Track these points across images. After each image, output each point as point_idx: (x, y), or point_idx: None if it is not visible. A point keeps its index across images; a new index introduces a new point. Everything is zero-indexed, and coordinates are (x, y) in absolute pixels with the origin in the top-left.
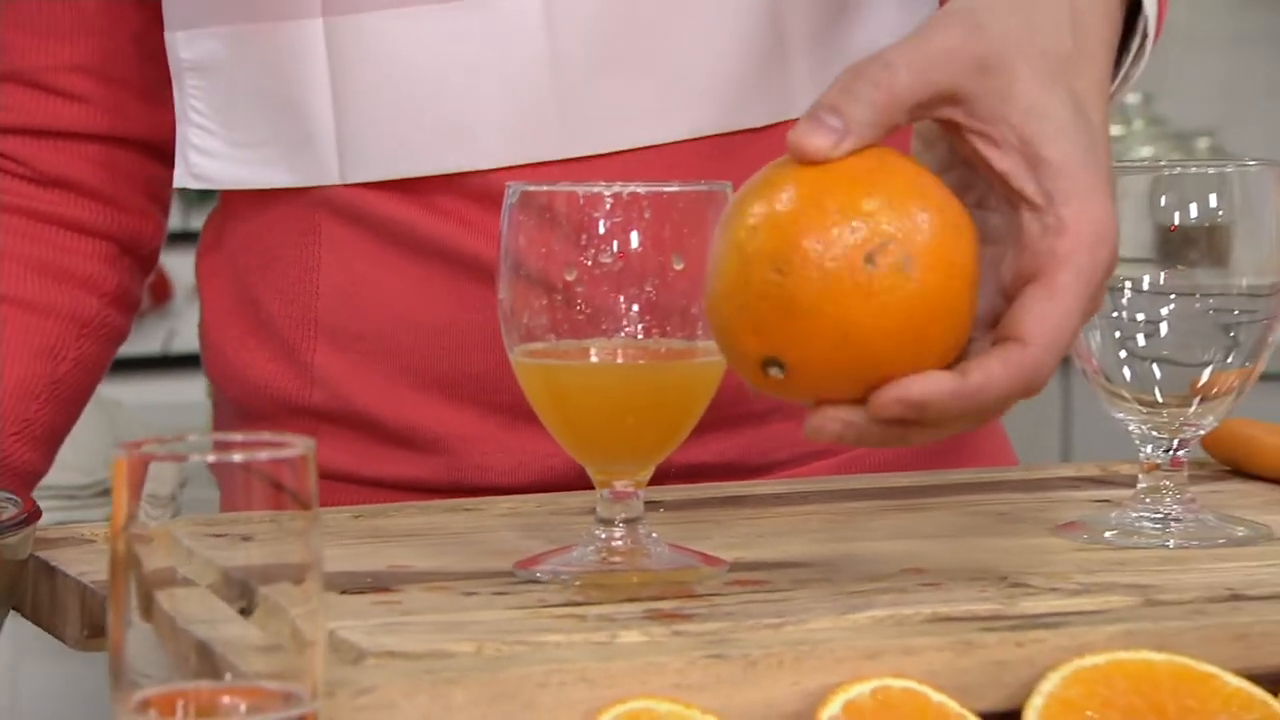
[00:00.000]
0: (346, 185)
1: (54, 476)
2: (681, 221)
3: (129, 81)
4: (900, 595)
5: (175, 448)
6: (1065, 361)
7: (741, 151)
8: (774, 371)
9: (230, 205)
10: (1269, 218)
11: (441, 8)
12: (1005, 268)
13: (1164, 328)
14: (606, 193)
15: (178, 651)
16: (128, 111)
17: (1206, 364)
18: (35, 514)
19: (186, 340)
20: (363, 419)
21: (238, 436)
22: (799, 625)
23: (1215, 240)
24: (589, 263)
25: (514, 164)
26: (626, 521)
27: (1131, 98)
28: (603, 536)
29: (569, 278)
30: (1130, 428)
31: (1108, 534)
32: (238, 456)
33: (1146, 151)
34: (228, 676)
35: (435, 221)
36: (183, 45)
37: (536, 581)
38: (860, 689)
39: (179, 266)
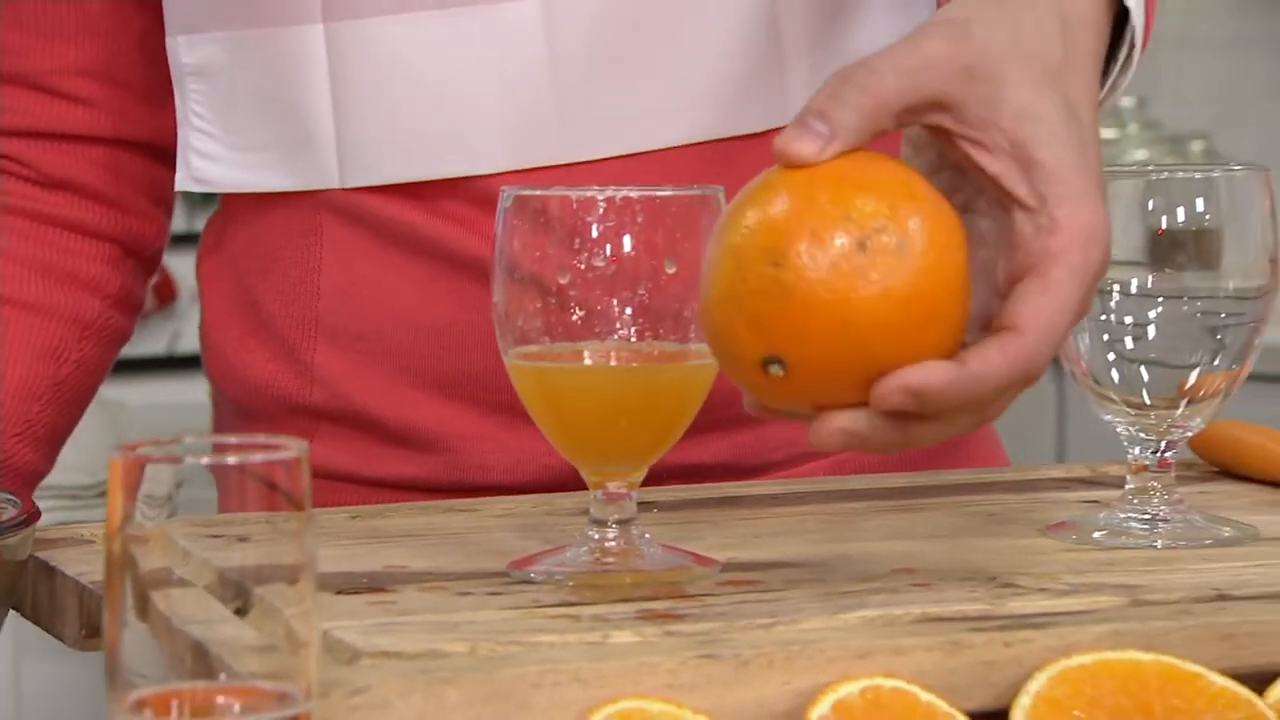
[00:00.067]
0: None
1: (56, 477)
2: (674, 226)
3: (133, 84)
4: (891, 595)
5: (171, 450)
6: (1058, 363)
7: (739, 156)
8: (774, 370)
9: (231, 208)
10: (1255, 222)
11: (441, 13)
12: (999, 270)
13: (1152, 330)
14: (600, 197)
15: (173, 651)
16: (131, 114)
17: (1194, 366)
18: (35, 515)
19: (191, 341)
20: (363, 419)
21: (233, 439)
22: (790, 625)
23: (1203, 244)
24: (583, 266)
25: (513, 168)
26: (619, 522)
27: (1126, 101)
28: (596, 537)
29: (563, 281)
30: (1118, 429)
31: (1096, 535)
32: (232, 459)
33: (1141, 155)
34: (222, 676)
35: (436, 223)
36: (184, 50)
37: (531, 582)
38: (850, 688)
39: (184, 268)
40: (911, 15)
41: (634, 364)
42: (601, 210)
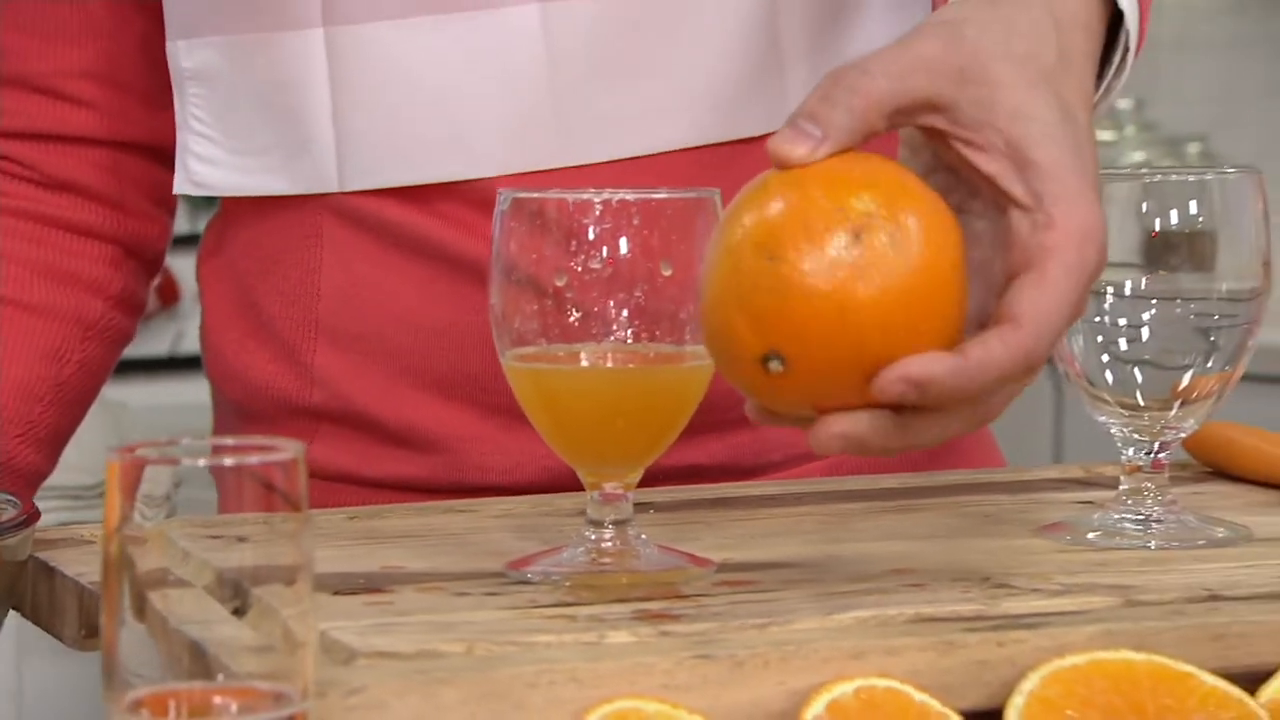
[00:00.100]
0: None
1: (58, 477)
2: (670, 228)
3: (134, 86)
4: (885, 596)
5: (168, 451)
6: (1055, 363)
7: (738, 160)
8: (774, 365)
9: (231, 210)
10: (1248, 224)
11: (441, 18)
12: (995, 269)
13: (1145, 332)
14: (596, 199)
15: (171, 652)
16: (132, 116)
17: (1187, 368)
18: (34, 515)
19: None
20: (362, 419)
21: (230, 440)
22: (785, 626)
23: (1196, 246)
24: (579, 268)
25: (512, 171)
26: (616, 523)
27: (1123, 103)
28: (592, 538)
29: (559, 283)
30: (1112, 430)
31: (1090, 535)
32: (229, 460)
33: (1138, 156)
34: (219, 677)
35: (435, 225)
36: (184, 54)
37: (527, 582)
38: (844, 688)
39: (186, 269)
40: (910, 18)
41: (630, 366)
42: (598, 213)
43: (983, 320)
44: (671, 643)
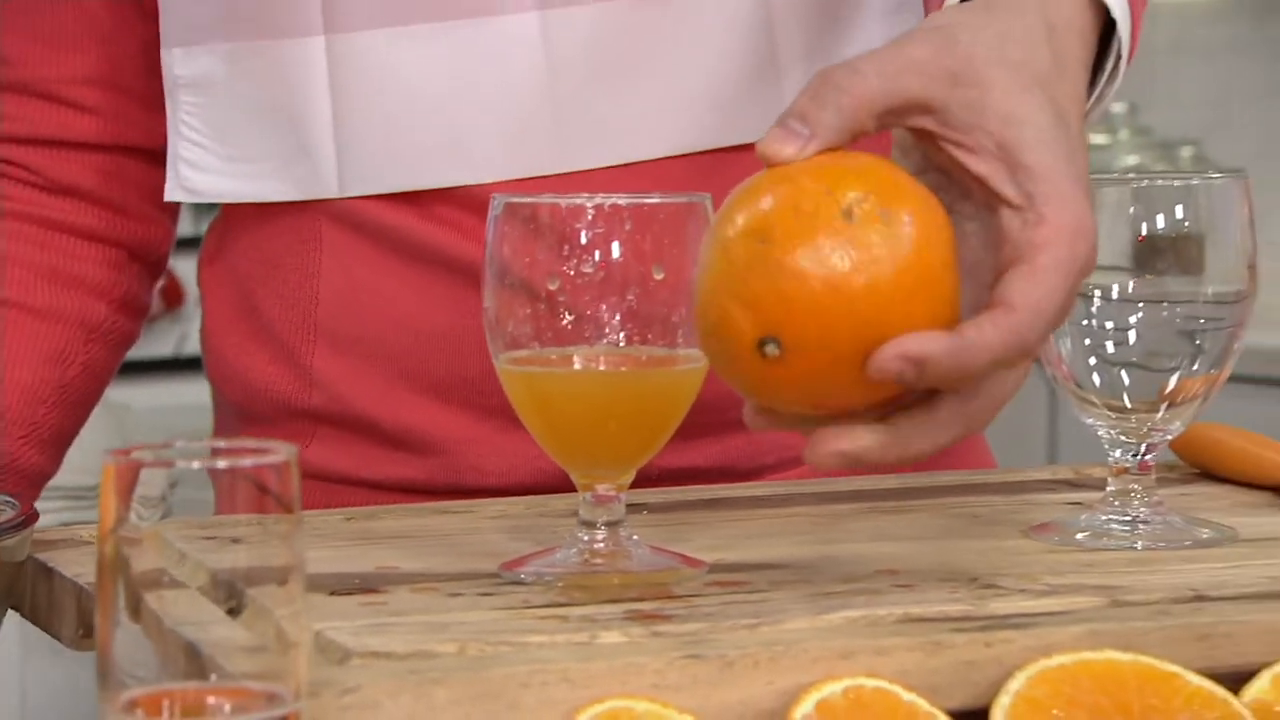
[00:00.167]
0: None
1: (61, 477)
2: (662, 232)
3: (136, 91)
4: (874, 596)
5: (163, 454)
6: (1044, 366)
7: (735, 164)
8: (770, 349)
9: (231, 215)
10: (1234, 228)
11: (441, 26)
12: (986, 270)
13: (1132, 335)
14: (588, 204)
15: (166, 652)
16: (134, 121)
17: (1174, 370)
18: (33, 517)
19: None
20: (361, 421)
21: (224, 443)
22: (774, 626)
23: (1182, 250)
24: (572, 272)
25: (511, 177)
26: (608, 524)
27: (1117, 107)
28: (585, 539)
29: (552, 287)
30: (1100, 432)
31: (1079, 536)
32: (223, 463)
33: (1132, 160)
34: (213, 677)
35: (434, 230)
36: (179, 62)
37: (521, 583)
38: (833, 688)
39: (191, 272)
40: (905, 24)
41: (623, 369)
42: (590, 217)
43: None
44: (662, 643)
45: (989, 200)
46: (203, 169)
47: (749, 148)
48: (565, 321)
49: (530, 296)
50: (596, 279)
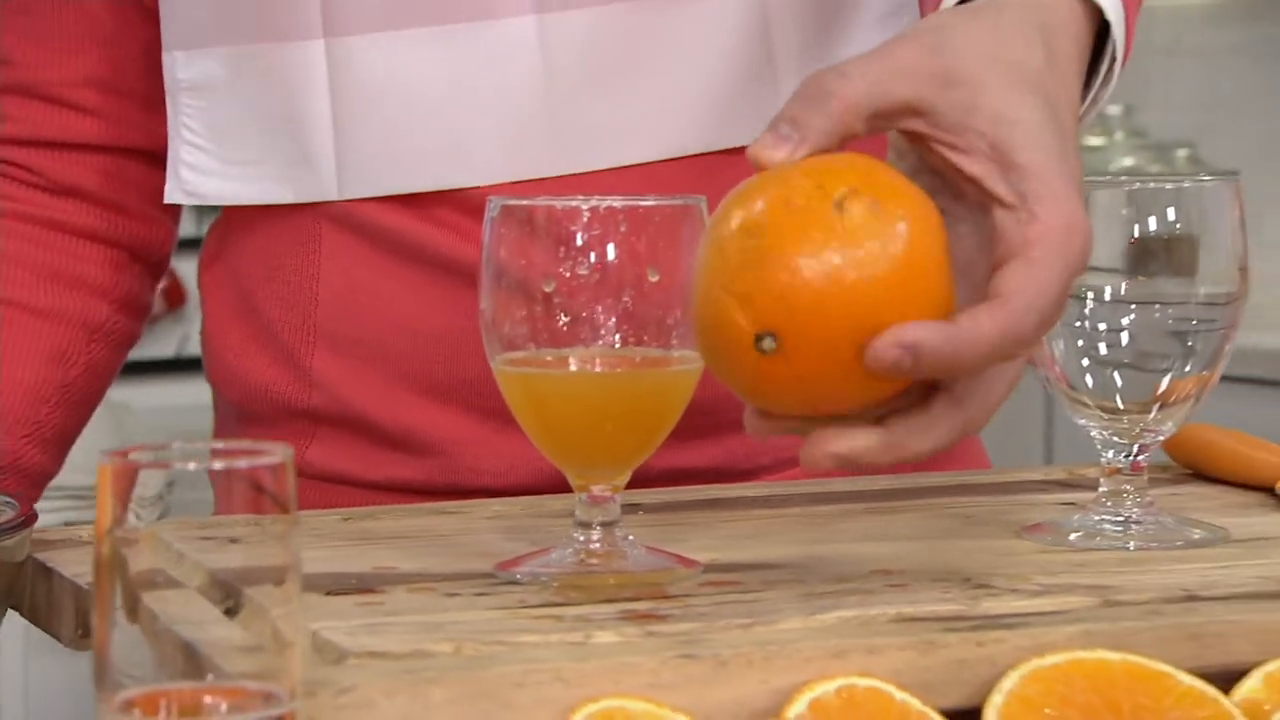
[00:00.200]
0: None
1: (63, 477)
2: (657, 235)
3: (137, 93)
4: (867, 596)
5: (158, 455)
6: (1037, 368)
7: (732, 167)
8: (767, 344)
9: (232, 217)
10: (1226, 230)
11: (439, 30)
12: (980, 271)
13: (1125, 336)
14: (584, 206)
15: (163, 652)
16: (135, 123)
17: (1166, 371)
18: (32, 517)
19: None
20: (360, 422)
21: (220, 444)
22: (768, 626)
23: (1174, 252)
24: (567, 274)
25: (509, 180)
26: (604, 524)
27: (1113, 109)
28: (581, 539)
29: (548, 289)
30: (1092, 433)
31: (1071, 536)
32: (219, 464)
33: (1128, 162)
34: (209, 677)
35: (433, 232)
36: (180, 65)
37: (516, 583)
38: (826, 687)
39: (193, 273)
40: (901, 28)
41: (618, 370)
42: (586, 219)
43: None
44: (657, 642)
45: (982, 200)
46: (203, 171)
47: (746, 150)
48: (561, 323)
49: (526, 298)
50: (592, 281)
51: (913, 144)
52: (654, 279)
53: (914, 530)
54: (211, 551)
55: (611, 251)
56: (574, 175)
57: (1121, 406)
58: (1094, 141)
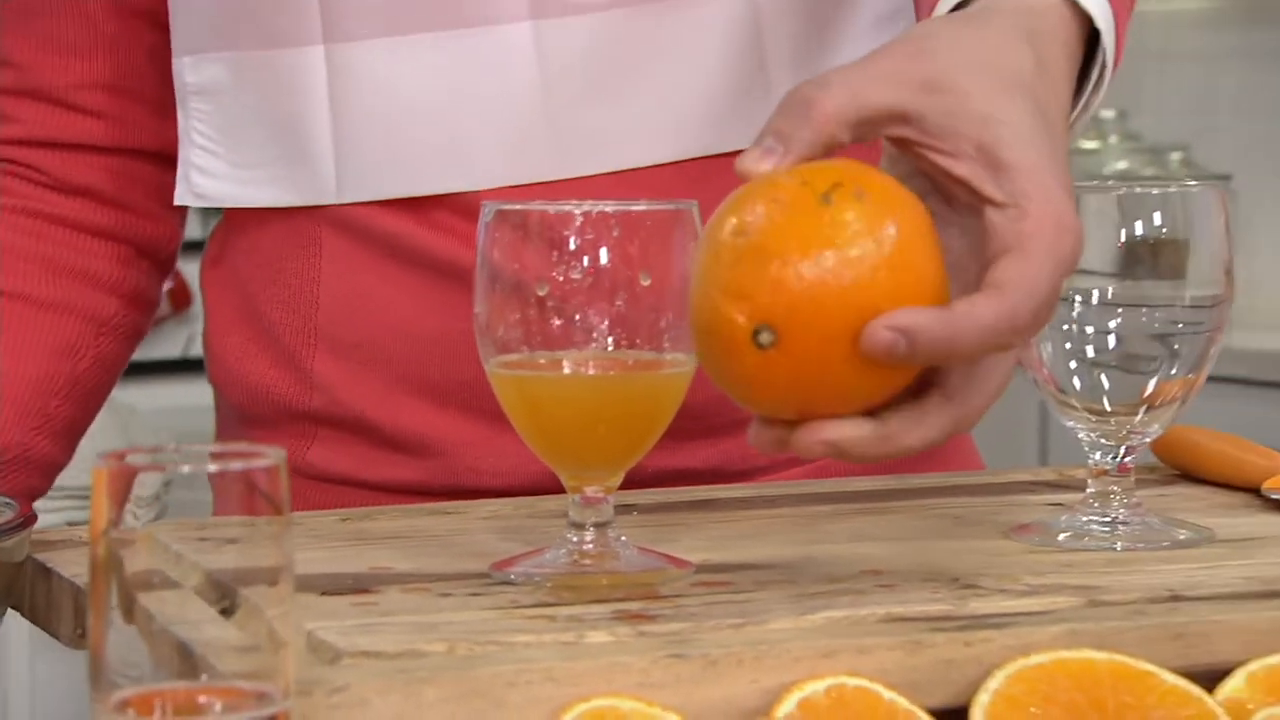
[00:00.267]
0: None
1: (66, 477)
2: (649, 239)
3: (143, 96)
4: (857, 596)
5: (154, 458)
6: (1025, 370)
7: (727, 173)
8: (765, 337)
9: (234, 220)
10: (1212, 235)
11: (438, 36)
12: (972, 271)
13: (1112, 339)
14: (577, 211)
15: (158, 652)
16: (140, 125)
17: (1152, 374)
18: (31, 518)
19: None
20: (360, 424)
21: (215, 447)
22: (759, 626)
23: (1161, 256)
24: (561, 278)
25: (507, 184)
26: (597, 525)
27: (1106, 113)
28: (574, 540)
29: (541, 292)
30: (1080, 435)
31: (1060, 537)
32: (213, 466)
33: (1121, 165)
34: (203, 677)
35: (432, 236)
36: (189, 70)
37: (510, 583)
38: (815, 687)
39: (197, 274)
40: (896, 34)
41: (611, 373)
42: (578, 223)
43: None
44: (648, 642)
45: (972, 203)
46: (211, 174)
47: (734, 163)
48: (554, 326)
49: (520, 301)
50: (585, 284)
51: (902, 151)
52: (646, 282)
53: (904, 531)
54: (208, 552)
55: (604, 255)
56: (572, 180)
57: (1109, 408)
58: (1088, 145)
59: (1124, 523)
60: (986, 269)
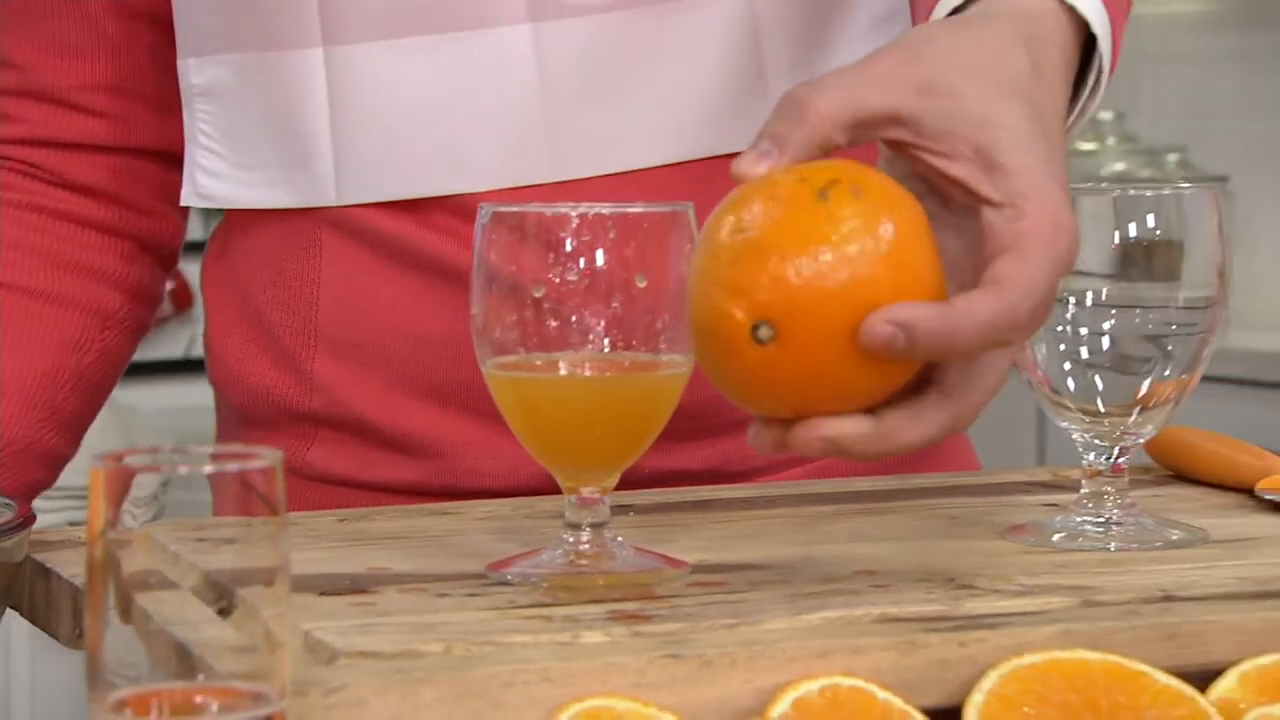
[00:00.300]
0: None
1: (66, 477)
2: (645, 241)
3: (144, 96)
4: (852, 597)
5: (150, 459)
6: (1019, 371)
7: (726, 174)
8: (764, 332)
9: (234, 221)
10: (1206, 237)
11: (436, 38)
12: (969, 272)
13: (1106, 340)
14: (573, 213)
15: (155, 652)
16: (142, 124)
17: (1146, 375)
18: (30, 519)
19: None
20: (360, 425)
21: (212, 448)
22: (753, 626)
23: (1155, 258)
24: (557, 280)
25: (506, 186)
26: (593, 526)
27: (1104, 115)
28: (570, 540)
29: (538, 294)
30: (1074, 436)
31: (1054, 537)
32: (209, 467)
33: (1119, 167)
34: (200, 677)
35: (431, 237)
36: (194, 71)
37: (507, 584)
38: (809, 687)
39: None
40: (892, 37)
41: (607, 374)
42: (574, 225)
43: None
44: (643, 643)
45: (968, 204)
46: (216, 175)
47: (730, 167)
48: (551, 327)
49: (517, 303)
50: (581, 286)
51: (898, 154)
52: (642, 284)
53: (899, 531)
54: (205, 553)
55: (600, 257)
56: (571, 181)
57: (1102, 409)
58: (1085, 146)
59: (1118, 523)
60: (983, 269)
